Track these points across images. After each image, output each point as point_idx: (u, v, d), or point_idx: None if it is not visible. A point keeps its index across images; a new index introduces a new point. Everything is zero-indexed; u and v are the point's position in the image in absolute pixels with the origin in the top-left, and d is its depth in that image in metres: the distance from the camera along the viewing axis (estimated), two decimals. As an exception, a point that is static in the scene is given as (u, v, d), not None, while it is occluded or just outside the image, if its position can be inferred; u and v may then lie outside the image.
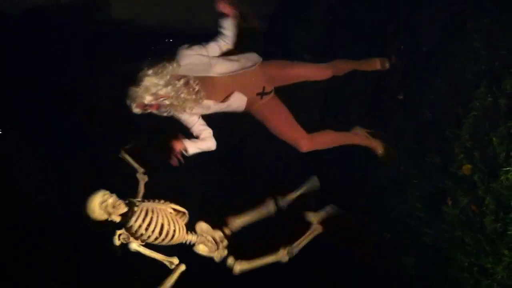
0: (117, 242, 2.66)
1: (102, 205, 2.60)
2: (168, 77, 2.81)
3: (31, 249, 4.49)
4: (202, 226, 2.94)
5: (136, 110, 2.84)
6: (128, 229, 2.65)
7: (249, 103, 3.13)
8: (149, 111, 2.86)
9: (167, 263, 2.75)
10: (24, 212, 4.56)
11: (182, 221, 2.81)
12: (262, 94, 3.16)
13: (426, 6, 3.48)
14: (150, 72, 2.78)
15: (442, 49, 3.28)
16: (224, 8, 3.02)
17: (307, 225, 3.25)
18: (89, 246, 4.20)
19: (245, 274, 2.98)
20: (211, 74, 2.96)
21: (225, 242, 3.00)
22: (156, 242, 2.69)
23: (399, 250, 3.43)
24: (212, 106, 3.01)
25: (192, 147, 2.91)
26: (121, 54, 4.75)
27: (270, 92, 3.21)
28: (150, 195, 2.84)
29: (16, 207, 4.55)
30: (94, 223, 2.65)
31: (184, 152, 2.90)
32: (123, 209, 2.67)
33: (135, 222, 2.62)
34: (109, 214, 2.62)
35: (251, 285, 3.38)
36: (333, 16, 4.55)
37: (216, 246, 2.96)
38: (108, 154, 3.50)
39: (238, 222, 3.11)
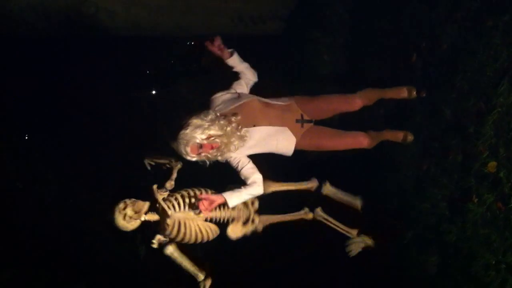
0: (155, 245, 2.81)
1: (125, 218, 2.72)
2: (210, 117, 2.84)
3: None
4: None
5: (192, 155, 2.83)
6: (162, 231, 2.80)
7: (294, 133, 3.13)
8: (203, 154, 2.84)
9: (197, 276, 2.83)
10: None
11: (213, 213, 2.92)
12: (302, 121, 3.15)
13: (445, 3, 3.47)
14: (192, 117, 2.81)
15: (462, 47, 3.27)
16: (216, 51, 3.06)
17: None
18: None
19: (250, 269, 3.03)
20: (242, 101, 2.99)
21: (256, 205, 3.10)
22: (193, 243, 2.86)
23: (421, 249, 3.42)
24: (260, 135, 3.01)
25: (233, 200, 2.90)
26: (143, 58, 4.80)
27: (310, 121, 3.20)
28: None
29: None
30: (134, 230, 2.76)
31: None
32: (145, 207, 2.78)
33: (171, 234, 2.79)
34: (138, 217, 2.70)
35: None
36: (350, 16, 4.54)
37: (247, 212, 3.06)
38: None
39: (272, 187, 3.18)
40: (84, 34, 4.76)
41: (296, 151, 3.15)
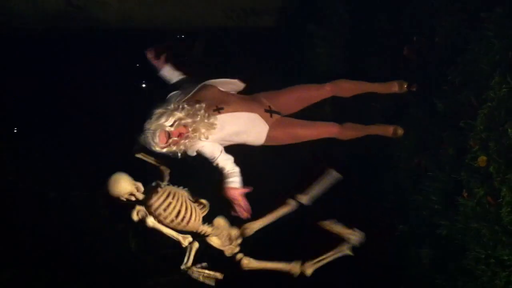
0: (135, 216, 2.75)
1: (132, 182, 2.71)
2: (173, 105, 2.85)
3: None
4: (220, 221, 2.97)
5: (161, 145, 2.80)
6: (147, 207, 2.73)
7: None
8: (172, 144, 2.81)
9: (181, 239, 2.82)
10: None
11: (200, 212, 2.86)
12: (270, 111, 3.15)
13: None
14: (155, 108, 2.83)
15: (454, 39, 3.25)
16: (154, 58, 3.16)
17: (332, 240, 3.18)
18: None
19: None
20: (199, 85, 2.98)
21: (239, 241, 3.03)
22: (171, 224, 2.76)
23: (414, 242, 3.42)
24: (230, 121, 2.99)
25: (238, 182, 2.92)
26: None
27: (278, 113, 3.20)
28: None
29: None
30: (113, 201, 2.73)
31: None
32: (142, 189, 2.77)
33: (156, 201, 2.70)
34: (136, 188, 2.72)
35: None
36: (346, 9, 4.51)
37: (229, 242, 2.99)
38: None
39: (255, 226, 3.07)
40: (75, 26, 4.74)
41: (272, 148, 3.19)
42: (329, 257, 3.14)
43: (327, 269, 3.72)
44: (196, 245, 2.83)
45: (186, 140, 2.83)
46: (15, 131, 4.90)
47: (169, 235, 2.80)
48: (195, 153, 2.92)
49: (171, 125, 2.76)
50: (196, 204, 2.86)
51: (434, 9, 3.46)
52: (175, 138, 2.79)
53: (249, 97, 3.20)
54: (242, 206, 2.91)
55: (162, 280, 4.18)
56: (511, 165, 2.69)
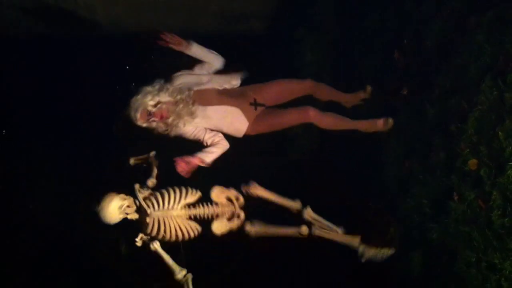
0: (139, 243, 2.79)
1: (121, 208, 2.73)
2: (160, 85, 3.05)
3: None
4: (216, 191, 2.96)
5: (141, 121, 2.98)
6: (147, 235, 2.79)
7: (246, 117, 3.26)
8: (154, 122, 2.99)
9: (177, 271, 2.80)
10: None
11: (195, 210, 2.86)
12: (255, 104, 3.29)
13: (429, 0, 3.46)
14: (146, 86, 3.01)
15: (445, 44, 3.26)
16: (173, 46, 3.22)
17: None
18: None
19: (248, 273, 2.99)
20: (201, 87, 3.16)
21: (241, 200, 3.01)
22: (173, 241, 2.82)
23: (405, 246, 3.41)
24: (211, 114, 3.16)
25: (208, 157, 3.04)
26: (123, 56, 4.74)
27: (263, 105, 3.34)
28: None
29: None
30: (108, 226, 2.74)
31: (202, 165, 3.01)
32: (134, 206, 2.79)
33: (151, 232, 2.76)
34: (129, 212, 2.75)
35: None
36: (335, 14, 4.53)
37: (232, 207, 2.96)
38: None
39: (258, 191, 3.07)
40: (63, 30, 4.72)
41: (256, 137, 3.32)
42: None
43: (317, 274, 3.71)
44: (190, 276, 2.82)
45: (168, 126, 3.02)
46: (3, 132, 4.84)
47: (168, 264, 2.80)
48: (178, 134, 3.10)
49: (154, 105, 2.94)
50: (187, 216, 2.84)
51: (424, 13, 3.47)
52: (155, 119, 2.97)
53: (236, 90, 3.34)
54: (187, 166, 2.94)
55: (156, 285, 4.12)
56: (502, 168, 2.68)
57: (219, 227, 2.91)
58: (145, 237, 2.78)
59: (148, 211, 2.75)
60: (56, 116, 4.66)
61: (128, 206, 2.74)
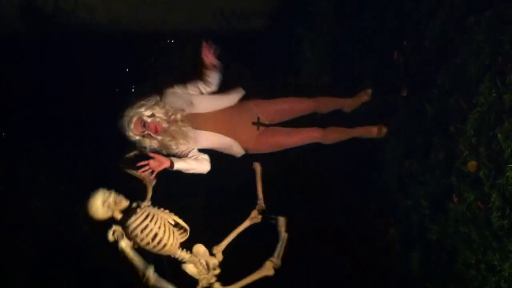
0: (110, 237, 2.69)
1: (104, 204, 2.67)
2: (155, 100, 2.94)
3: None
4: (199, 248, 2.95)
5: (135, 132, 2.86)
6: (125, 228, 2.68)
7: (247, 137, 3.19)
8: (146, 134, 2.87)
9: (140, 273, 2.73)
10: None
11: (180, 236, 2.81)
12: (258, 124, 3.22)
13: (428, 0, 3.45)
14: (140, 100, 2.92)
15: (444, 44, 3.25)
16: (208, 59, 3.17)
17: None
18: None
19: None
20: (193, 111, 3.03)
21: (217, 271, 3.00)
22: (147, 247, 2.71)
23: (404, 247, 3.41)
24: (204, 139, 3.06)
25: (179, 163, 2.88)
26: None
27: (266, 125, 3.28)
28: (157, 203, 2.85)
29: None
30: (95, 223, 2.68)
31: (168, 168, 2.86)
32: (125, 203, 2.75)
33: (133, 222, 2.65)
34: (112, 211, 2.69)
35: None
36: (335, 13, 4.51)
37: (206, 272, 2.94)
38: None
39: (222, 245, 3.13)
40: (62, 30, 4.71)
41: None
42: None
43: (315, 273, 3.72)
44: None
45: (160, 141, 2.91)
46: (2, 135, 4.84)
47: (134, 264, 2.71)
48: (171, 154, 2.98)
49: (149, 116, 2.84)
50: (176, 229, 2.79)
51: (424, 13, 3.46)
52: (149, 132, 2.86)
53: (238, 107, 3.21)
54: (151, 165, 2.79)
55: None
56: (501, 170, 2.68)
57: (190, 269, 2.89)
58: (118, 232, 2.67)
59: (142, 205, 2.76)
60: (56, 116, 4.66)
61: (115, 203, 2.69)
